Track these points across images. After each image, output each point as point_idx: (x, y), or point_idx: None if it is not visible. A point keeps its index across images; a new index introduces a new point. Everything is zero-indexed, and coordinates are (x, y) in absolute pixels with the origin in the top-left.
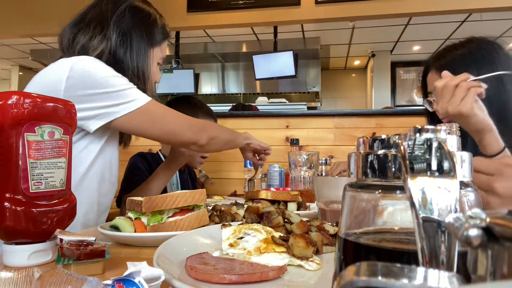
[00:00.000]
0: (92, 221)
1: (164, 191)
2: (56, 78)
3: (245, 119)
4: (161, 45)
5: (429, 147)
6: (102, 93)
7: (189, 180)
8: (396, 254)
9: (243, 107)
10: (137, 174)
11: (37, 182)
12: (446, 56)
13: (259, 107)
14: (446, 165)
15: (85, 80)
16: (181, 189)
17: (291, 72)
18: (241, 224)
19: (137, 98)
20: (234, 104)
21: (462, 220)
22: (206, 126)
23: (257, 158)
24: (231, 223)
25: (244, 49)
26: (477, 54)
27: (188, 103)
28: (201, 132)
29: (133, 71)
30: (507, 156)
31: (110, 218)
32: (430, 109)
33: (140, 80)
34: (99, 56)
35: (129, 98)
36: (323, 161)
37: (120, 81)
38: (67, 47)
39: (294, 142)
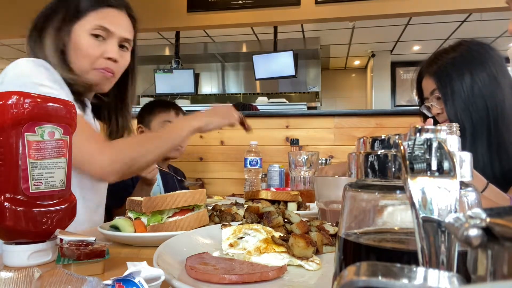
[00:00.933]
0: (81, 216)
1: None
2: None
3: None
4: (89, 15)
5: (429, 147)
6: None
7: (175, 179)
8: (396, 254)
9: (243, 107)
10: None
11: (37, 182)
12: (438, 61)
13: (259, 107)
14: (446, 165)
15: (16, 84)
16: (164, 187)
17: (291, 72)
18: (241, 224)
19: None
20: (233, 104)
21: (462, 220)
22: (119, 157)
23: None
24: (231, 223)
25: (244, 49)
26: (468, 56)
27: (147, 105)
28: (106, 169)
29: (58, 52)
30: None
31: (110, 218)
32: (429, 115)
33: (69, 55)
34: (40, 52)
35: None
36: (323, 161)
37: (45, 91)
38: (27, 52)
39: (294, 142)
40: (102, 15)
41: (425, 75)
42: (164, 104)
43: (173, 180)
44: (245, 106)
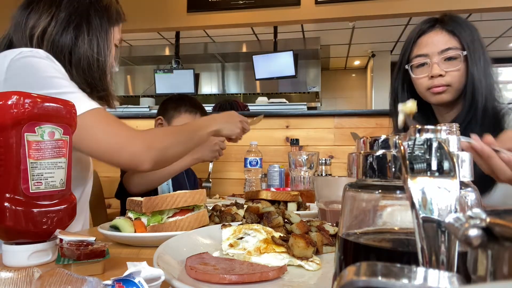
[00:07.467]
0: None
1: (155, 189)
2: None
3: None
4: (119, 25)
5: (429, 147)
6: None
7: (185, 179)
8: (396, 254)
9: (222, 106)
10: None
11: (37, 182)
12: (462, 23)
13: (259, 107)
14: (446, 165)
15: (24, 80)
16: (173, 186)
17: (291, 72)
18: (241, 224)
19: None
20: (217, 103)
21: (462, 220)
22: (152, 145)
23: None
24: (231, 223)
25: (244, 49)
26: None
27: (175, 99)
28: (142, 155)
29: (90, 53)
30: None
31: (110, 218)
32: (412, 75)
33: (101, 62)
34: (40, 37)
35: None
36: (323, 161)
37: (61, 83)
38: (21, 31)
39: (294, 142)
40: (120, 28)
41: (438, 30)
42: (192, 105)
43: (184, 180)
44: (228, 104)
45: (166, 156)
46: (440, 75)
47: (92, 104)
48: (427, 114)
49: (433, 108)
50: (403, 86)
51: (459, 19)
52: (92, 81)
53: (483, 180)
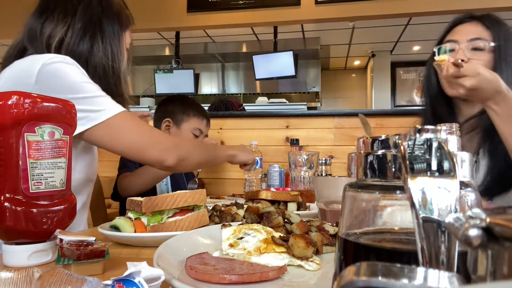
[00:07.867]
0: None
1: (154, 189)
2: (25, 82)
3: (245, 119)
4: (129, 29)
5: (429, 147)
6: (72, 98)
7: (184, 178)
8: (396, 254)
9: (216, 106)
10: (127, 166)
11: (37, 182)
12: (497, 20)
13: (259, 107)
14: (446, 165)
15: (55, 85)
16: (171, 186)
17: (291, 72)
18: (241, 224)
19: (105, 109)
20: (212, 103)
21: (462, 220)
22: (178, 145)
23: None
24: (231, 223)
25: (244, 49)
26: None
27: (180, 101)
28: (169, 151)
29: (105, 60)
30: None
31: (110, 218)
32: (436, 57)
33: (116, 69)
34: (57, 47)
35: (97, 108)
36: (323, 161)
37: (90, 87)
38: (36, 39)
39: (294, 142)
40: (130, 33)
41: (473, 22)
42: (200, 110)
43: (183, 179)
44: (223, 105)
45: (189, 159)
46: (462, 60)
47: (121, 107)
48: (449, 110)
49: (454, 103)
50: (435, 73)
51: (499, 18)
52: (108, 87)
53: (503, 179)
